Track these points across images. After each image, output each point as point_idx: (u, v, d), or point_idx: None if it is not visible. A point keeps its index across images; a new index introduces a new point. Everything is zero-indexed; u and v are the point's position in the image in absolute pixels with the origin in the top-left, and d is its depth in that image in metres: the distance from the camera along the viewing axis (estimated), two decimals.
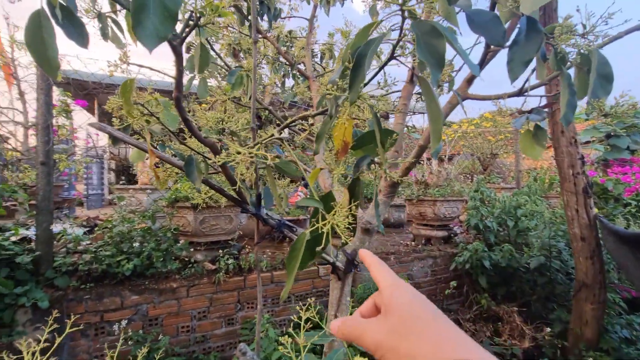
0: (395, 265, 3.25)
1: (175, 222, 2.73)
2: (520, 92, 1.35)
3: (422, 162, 6.43)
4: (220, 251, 2.72)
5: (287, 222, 1.41)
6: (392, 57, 0.68)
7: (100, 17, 1.33)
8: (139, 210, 2.82)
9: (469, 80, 1.47)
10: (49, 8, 0.64)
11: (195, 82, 1.81)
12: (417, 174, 4.16)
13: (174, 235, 2.67)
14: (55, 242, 2.52)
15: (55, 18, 0.64)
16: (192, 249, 2.67)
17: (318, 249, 0.73)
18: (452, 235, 3.95)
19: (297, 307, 1.12)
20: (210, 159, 1.23)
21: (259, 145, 0.74)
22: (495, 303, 3.17)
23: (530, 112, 1.43)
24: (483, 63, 1.27)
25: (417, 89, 2.16)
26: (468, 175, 6.45)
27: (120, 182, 7.11)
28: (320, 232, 0.75)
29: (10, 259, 2.04)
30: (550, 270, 2.98)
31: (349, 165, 0.92)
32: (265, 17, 2.39)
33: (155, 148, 1.49)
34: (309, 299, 2.94)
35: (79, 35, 0.69)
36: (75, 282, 2.22)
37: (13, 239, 2.33)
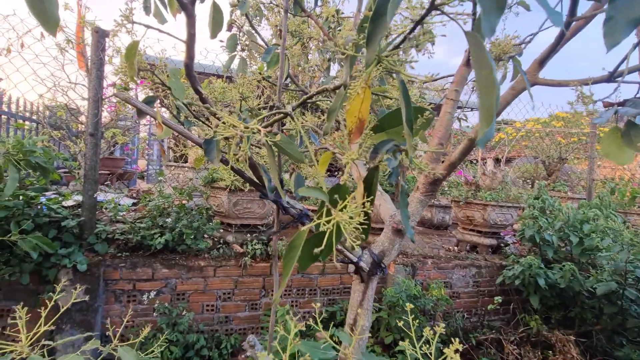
0: (432, 270, 3.00)
1: (211, 202, 2.76)
2: (612, 77, 1.06)
3: (474, 162, 5.89)
4: (249, 235, 2.69)
5: (309, 212, 1.28)
6: (433, 5, 0.50)
7: None
8: (180, 187, 2.90)
9: (541, 62, 1.20)
10: None
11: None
12: (469, 175, 3.78)
13: (208, 215, 2.70)
14: (102, 210, 2.68)
15: None
16: (222, 230, 2.68)
17: (316, 250, 0.59)
18: (502, 244, 3.55)
19: (317, 305, 0.98)
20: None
21: (261, 120, 0.61)
22: (548, 328, 2.78)
23: (621, 104, 1.13)
24: (569, 23, 1.00)
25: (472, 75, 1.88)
26: (528, 181, 5.78)
27: (172, 159, 7.55)
28: (323, 230, 0.61)
29: (59, 221, 2.19)
30: (622, 299, 2.52)
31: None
32: None
33: (182, 124, 1.45)
34: (336, 296, 2.83)
35: None
36: (113, 250, 2.34)
37: (66, 203, 2.52)
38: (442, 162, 1.31)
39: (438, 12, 0.52)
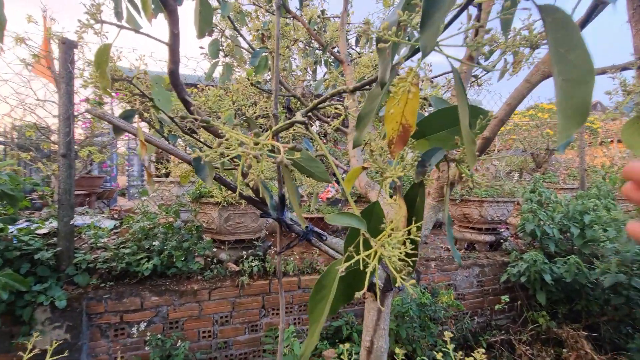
0: (436, 273, 2.91)
1: (200, 219, 2.59)
2: None
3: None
4: (244, 252, 2.53)
5: (316, 230, 1.15)
6: None
7: None
8: (167, 205, 2.71)
9: None
10: None
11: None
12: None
13: (198, 233, 2.52)
14: (81, 236, 2.47)
15: None
16: (214, 249, 2.51)
17: (357, 295, 0.46)
18: (501, 240, 3.50)
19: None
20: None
21: (269, 134, 0.48)
22: (556, 323, 2.72)
23: None
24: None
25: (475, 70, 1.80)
26: (516, 173, 5.81)
27: (156, 174, 7.26)
28: (360, 266, 0.48)
29: (32, 254, 1.98)
30: (629, 290, 2.48)
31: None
32: None
33: (166, 139, 1.29)
34: (340, 309, 2.69)
35: None
36: (96, 280, 2.13)
37: (41, 231, 2.29)
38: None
39: None
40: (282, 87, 2.21)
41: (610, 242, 2.58)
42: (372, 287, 1.42)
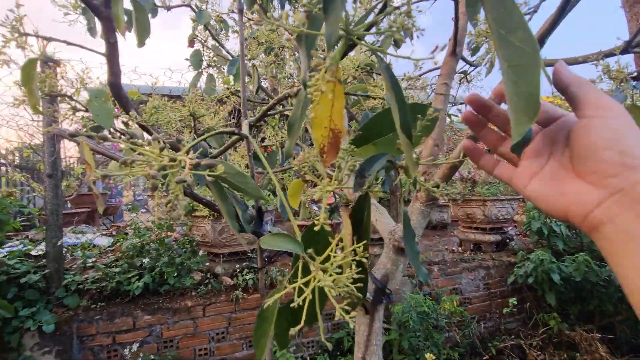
0: (440, 278, 2.80)
1: (195, 232, 2.54)
2: (630, 46, 0.90)
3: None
4: (238, 265, 2.47)
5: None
6: None
7: (86, 11, 1.10)
8: (156, 220, 2.66)
9: (541, 39, 1.04)
10: None
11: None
12: (462, 170, 3.64)
13: (192, 247, 2.47)
14: (72, 256, 2.43)
15: None
16: (207, 263, 2.45)
17: (292, 332, 0.39)
18: (507, 239, 3.39)
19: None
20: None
21: (190, 146, 0.42)
22: (568, 324, 2.59)
23: (636, 78, 0.97)
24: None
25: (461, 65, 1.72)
26: None
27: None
28: (299, 298, 0.41)
29: (20, 277, 1.94)
30: None
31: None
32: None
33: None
34: (341, 319, 2.60)
35: None
36: (87, 301, 2.09)
37: (35, 252, 2.26)
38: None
39: None
40: (266, 94, 2.15)
41: None
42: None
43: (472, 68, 1.90)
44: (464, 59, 1.41)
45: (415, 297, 2.22)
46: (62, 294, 2.03)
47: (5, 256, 2.04)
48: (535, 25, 1.03)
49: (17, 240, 2.38)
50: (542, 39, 1.05)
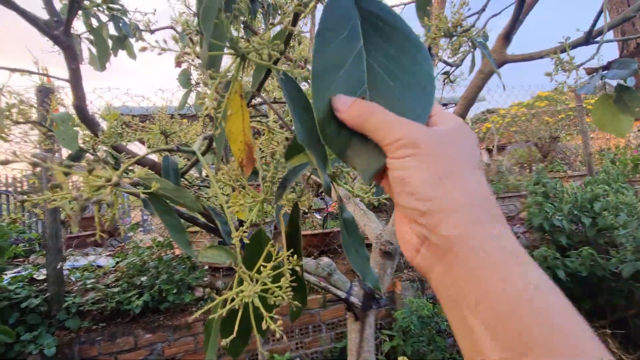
0: None
1: (195, 248, 2.56)
2: (589, 38, 0.90)
3: None
4: None
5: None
6: None
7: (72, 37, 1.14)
8: (156, 238, 2.69)
9: (506, 36, 1.04)
10: None
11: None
12: None
13: (192, 263, 2.49)
14: (72, 279, 2.46)
15: None
16: (207, 278, 2.46)
17: (225, 342, 0.39)
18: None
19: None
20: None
21: (127, 166, 0.43)
22: None
23: (606, 67, 0.96)
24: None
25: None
26: (525, 166, 5.60)
27: None
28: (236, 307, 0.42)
29: (21, 302, 1.98)
30: None
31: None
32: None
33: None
34: (343, 328, 2.58)
35: None
36: (88, 323, 2.11)
37: (37, 276, 2.30)
38: None
39: None
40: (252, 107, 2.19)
41: (623, 227, 2.40)
42: (350, 307, 1.33)
43: (454, 68, 1.91)
44: (445, 61, 1.42)
45: (416, 301, 2.19)
46: (63, 316, 2.06)
47: (9, 282, 2.08)
48: (501, 23, 1.03)
49: (21, 266, 2.43)
50: (508, 35, 1.05)
